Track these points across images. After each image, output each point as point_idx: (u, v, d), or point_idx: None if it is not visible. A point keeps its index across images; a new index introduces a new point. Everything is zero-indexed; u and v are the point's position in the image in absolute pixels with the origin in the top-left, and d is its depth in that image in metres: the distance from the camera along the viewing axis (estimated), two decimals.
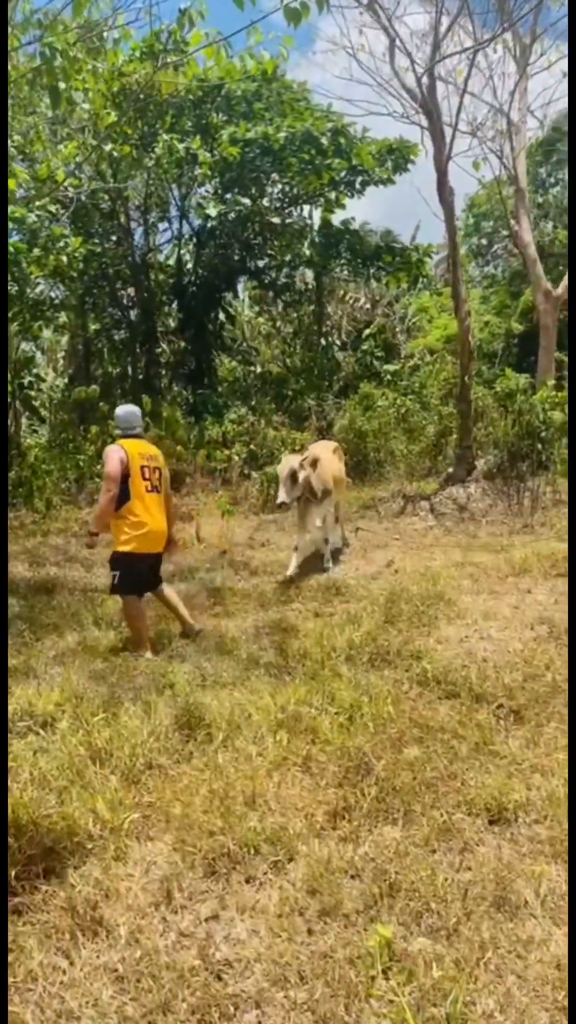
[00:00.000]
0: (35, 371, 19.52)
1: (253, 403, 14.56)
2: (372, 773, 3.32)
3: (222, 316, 17.21)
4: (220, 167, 14.16)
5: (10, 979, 2.26)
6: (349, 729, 3.77)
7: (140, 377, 17.14)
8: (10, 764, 3.44)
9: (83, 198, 15.27)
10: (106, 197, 16.34)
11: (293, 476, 7.24)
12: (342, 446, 10.57)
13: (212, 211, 13.55)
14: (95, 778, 3.31)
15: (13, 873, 2.67)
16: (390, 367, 16.05)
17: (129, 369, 17.81)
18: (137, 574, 5.35)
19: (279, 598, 6.89)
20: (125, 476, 5.26)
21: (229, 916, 2.55)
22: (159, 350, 17.26)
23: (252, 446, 13.16)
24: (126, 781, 3.33)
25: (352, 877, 2.72)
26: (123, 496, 5.28)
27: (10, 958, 2.34)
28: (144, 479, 5.36)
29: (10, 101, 9.38)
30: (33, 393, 18.39)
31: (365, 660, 4.85)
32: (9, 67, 5.92)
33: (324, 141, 13.62)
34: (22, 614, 6.39)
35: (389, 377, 15.51)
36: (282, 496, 7.23)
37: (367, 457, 13.26)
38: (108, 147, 12.49)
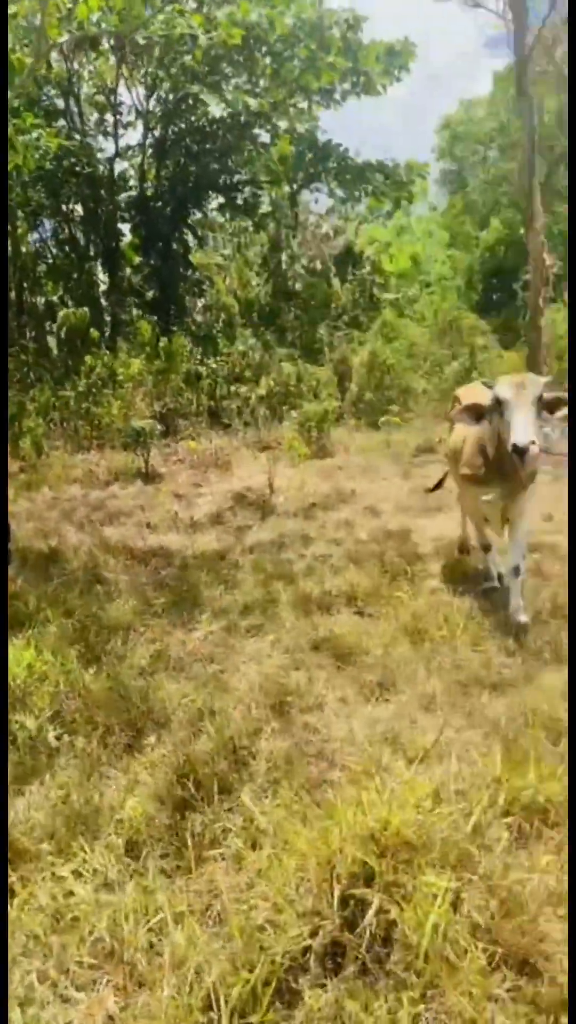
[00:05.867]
0: None
1: (256, 335, 13.00)
2: None
3: (189, 238, 15.29)
4: (208, 57, 12.17)
5: None
6: None
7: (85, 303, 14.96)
8: None
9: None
10: (56, 90, 13.88)
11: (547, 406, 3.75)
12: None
13: (216, 109, 11.59)
14: None
15: None
16: (388, 295, 14.92)
17: (68, 296, 15.47)
18: None
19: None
20: None
21: None
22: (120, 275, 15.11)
23: (271, 381, 11.70)
24: None
25: None
26: None
27: None
28: None
29: None
30: None
31: None
32: None
33: (336, 33, 11.97)
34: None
35: (387, 307, 14.40)
36: (531, 433, 3.52)
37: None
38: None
